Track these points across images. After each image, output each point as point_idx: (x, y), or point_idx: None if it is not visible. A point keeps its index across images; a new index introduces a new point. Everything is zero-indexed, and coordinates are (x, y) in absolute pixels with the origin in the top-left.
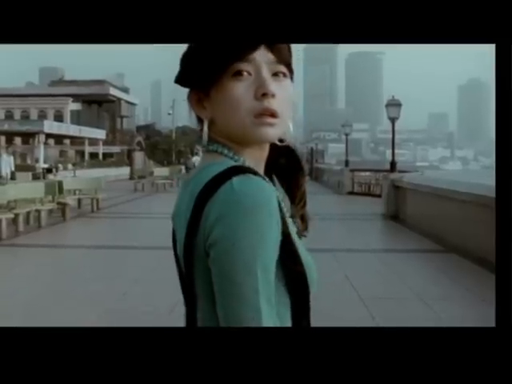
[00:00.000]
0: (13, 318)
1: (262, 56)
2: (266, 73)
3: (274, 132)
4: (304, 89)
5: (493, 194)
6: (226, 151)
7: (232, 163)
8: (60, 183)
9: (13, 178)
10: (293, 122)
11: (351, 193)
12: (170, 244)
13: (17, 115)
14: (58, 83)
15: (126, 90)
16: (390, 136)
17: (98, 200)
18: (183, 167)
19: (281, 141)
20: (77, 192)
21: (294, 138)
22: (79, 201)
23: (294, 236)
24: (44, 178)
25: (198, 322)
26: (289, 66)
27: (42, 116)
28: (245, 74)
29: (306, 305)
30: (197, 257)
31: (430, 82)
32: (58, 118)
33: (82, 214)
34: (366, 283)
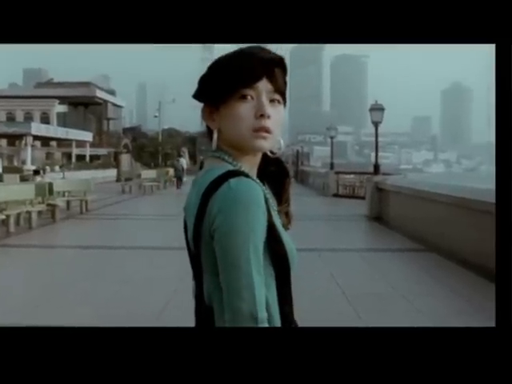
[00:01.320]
0: (4, 317)
1: (263, 85)
2: (264, 99)
3: (266, 144)
4: (289, 91)
5: (473, 196)
6: (226, 157)
7: (230, 167)
8: (50, 185)
9: (0, 179)
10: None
11: (336, 195)
12: (159, 244)
13: (2, 117)
14: (44, 85)
15: (112, 92)
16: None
17: (86, 202)
18: (172, 169)
19: (272, 153)
20: (66, 194)
21: (281, 148)
22: (68, 202)
23: (278, 225)
24: (32, 179)
25: (204, 292)
26: (283, 95)
27: (28, 118)
28: (249, 97)
29: (287, 277)
30: (203, 242)
31: (414, 85)
32: (45, 119)
33: (72, 215)
34: (350, 281)
